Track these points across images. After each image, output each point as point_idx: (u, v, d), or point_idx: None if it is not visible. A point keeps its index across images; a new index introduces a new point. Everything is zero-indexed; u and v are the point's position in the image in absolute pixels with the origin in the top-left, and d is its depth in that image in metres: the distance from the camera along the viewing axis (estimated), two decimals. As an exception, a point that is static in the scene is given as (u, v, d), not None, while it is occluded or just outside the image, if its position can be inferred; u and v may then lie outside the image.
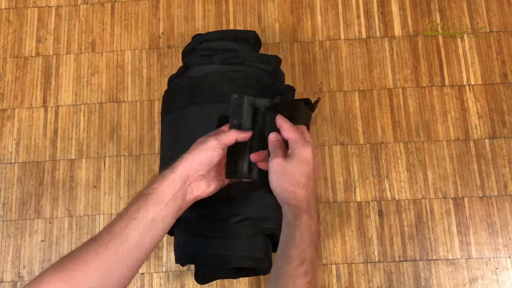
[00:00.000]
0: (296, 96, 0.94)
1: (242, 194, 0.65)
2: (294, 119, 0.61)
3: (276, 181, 0.53)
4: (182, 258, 0.69)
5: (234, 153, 0.59)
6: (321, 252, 0.87)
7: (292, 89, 0.72)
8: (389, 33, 0.98)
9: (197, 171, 0.55)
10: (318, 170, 0.55)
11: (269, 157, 0.56)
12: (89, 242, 0.49)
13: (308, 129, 0.79)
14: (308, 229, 0.50)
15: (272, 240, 0.70)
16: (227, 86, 0.68)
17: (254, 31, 0.78)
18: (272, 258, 0.72)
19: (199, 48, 0.75)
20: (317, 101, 0.84)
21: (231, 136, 0.57)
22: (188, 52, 0.77)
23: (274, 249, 0.73)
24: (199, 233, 0.65)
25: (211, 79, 0.69)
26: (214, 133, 0.58)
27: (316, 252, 0.50)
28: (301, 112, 0.72)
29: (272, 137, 0.58)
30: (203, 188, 0.57)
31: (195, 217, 0.65)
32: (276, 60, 0.74)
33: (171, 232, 0.74)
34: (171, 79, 0.76)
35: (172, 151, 0.70)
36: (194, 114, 0.68)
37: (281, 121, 0.58)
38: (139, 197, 0.52)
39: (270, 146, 0.57)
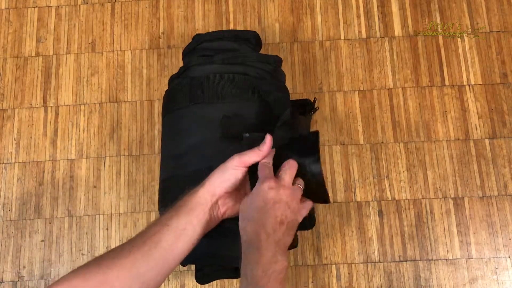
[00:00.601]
0: (296, 96, 0.94)
1: None
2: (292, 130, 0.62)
3: (239, 219, 0.55)
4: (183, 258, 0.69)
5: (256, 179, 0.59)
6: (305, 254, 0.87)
7: (285, 90, 0.73)
8: (389, 33, 0.98)
9: (223, 188, 0.56)
10: (281, 204, 0.52)
11: None
12: (123, 244, 0.51)
13: (309, 130, 0.79)
14: (257, 263, 0.49)
15: None
16: (228, 87, 0.68)
17: (255, 31, 0.78)
18: None
19: (200, 48, 0.75)
20: (314, 101, 0.84)
21: (252, 156, 0.57)
22: (188, 52, 0.77)
23: None
24: None
25: (212, 80, 0.69)
26: (238, 153, 0.58)
27: (275, 281, 0.48)
28: (295, 120, 0.72)
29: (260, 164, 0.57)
30: (230, 205, 0.58)
31: None
32: (276, 60, 0.74)
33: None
34: (172, 79, 0.76)
35: (172, 151, 0.70)
36: (195, 114, 0.68)
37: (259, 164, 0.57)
38: (170, 209, 0.54)
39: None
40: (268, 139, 0.58)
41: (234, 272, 0.73)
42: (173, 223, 0.52)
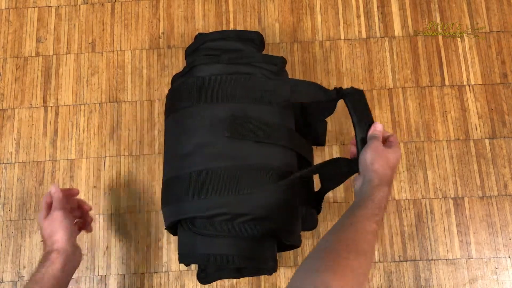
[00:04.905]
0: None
1: (249, 195, 0.65)
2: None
3: (371, 158, 0.63)
4: (186, 258, 0.69)
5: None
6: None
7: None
8: (389, 33, 0.98)
9: (72, 241, 0.67)
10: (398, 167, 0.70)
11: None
12: None
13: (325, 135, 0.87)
14: (386, 197, 0.59)
15: (277, 239, 0.70)
16: (237, 88, 0.68)
17: (258, 32, 0.78)
18: (277, 259, 0.72)
19: (203, 47, 0.75)
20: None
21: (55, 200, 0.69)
22: (191, 52, 0.77)
23: (279, 249, 0.73)
24: (204, 233, 0.65)
25: (219, 80, 0.69)
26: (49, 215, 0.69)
27: (384, 212, 0.58)
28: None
29: (378, 127, 0.68)
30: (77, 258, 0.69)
31: (201, 217, 0.65)
32: (281, 61, 0.74)
33: (174, 232, 0.74)
34: (175, 79, 0.76)
35: (177, 150, 0.70)
36: (201, 113, 0.68)
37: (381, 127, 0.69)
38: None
39: (372, 133, 0.68)
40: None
41: (236, 272, 0.73)
42: None
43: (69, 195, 0.73)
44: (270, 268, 0.69)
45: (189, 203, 0.65)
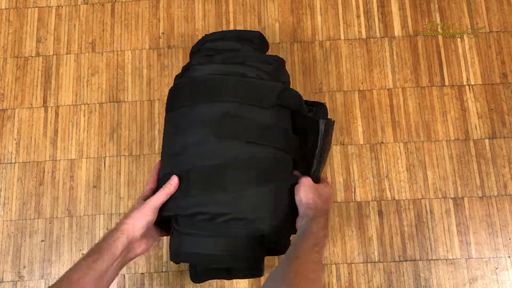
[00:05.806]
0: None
1: (234, 195, 0.65)
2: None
3: (304, 194, 0.68)
4: (174, 256, 0.69)
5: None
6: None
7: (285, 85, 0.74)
8: (389, 33, 0.98)
9: (140, 234, 0.64)
10: (331, 203, 0.74)
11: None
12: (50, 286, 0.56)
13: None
14: (324, 226, 0.65)
15: (264, 242, 0.69)
16: (227, 88, 0.68)
17: (259, 32, 0.78)
18: (264, 262, 0.71)
19: (203, 48, 0.75)
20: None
21: (162, 196, 0.66)
22: (194, 52, 0.77)
23: (269, 253, 0.71)
24: (188, 231, 0.65)
25: (210, 80, 0.69)
26: (147, 199, 0.67)
27: (326, 238, 0.64)
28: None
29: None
30: (143, 247, 0.67)
31: (183, 216, 0.65)
32: (277, 60, 0.73)
33: (169, 231, 0.74)
34: (175, 79, 0.77)
35: (170, 149, 0.70)
36: (194, 113, 0.68)
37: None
38: (95, 250, 0.61)
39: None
40: (175, 179, 0.66)
41: (226, 273, 0.73)
42: (97, 266, 0.59)
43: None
44: (260, 270, 0.69)
45: (173, 201, 0.66)
